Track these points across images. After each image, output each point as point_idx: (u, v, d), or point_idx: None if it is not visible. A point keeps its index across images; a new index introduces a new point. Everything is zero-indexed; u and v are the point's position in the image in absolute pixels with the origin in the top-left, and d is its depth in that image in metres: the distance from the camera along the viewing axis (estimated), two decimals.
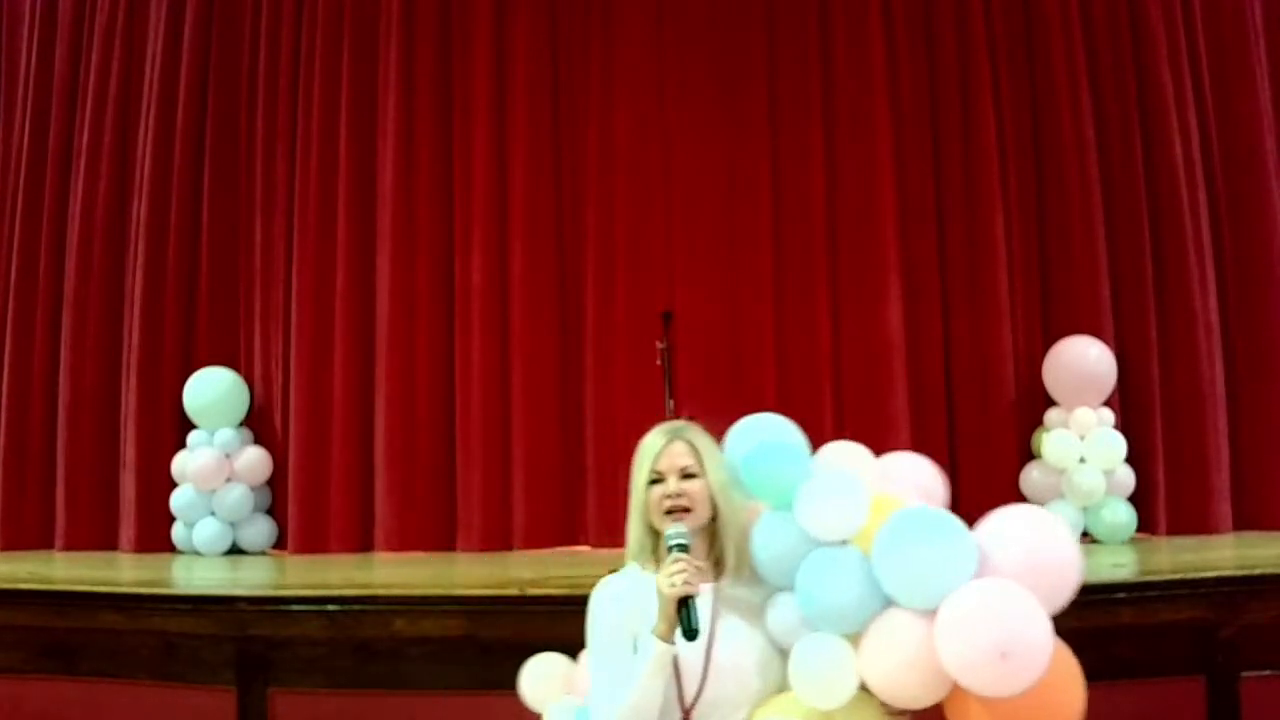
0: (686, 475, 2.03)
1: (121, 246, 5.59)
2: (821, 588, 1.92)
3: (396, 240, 5.27)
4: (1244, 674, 3.32)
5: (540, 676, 2.42)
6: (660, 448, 2.05)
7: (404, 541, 5.13)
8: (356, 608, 3.46)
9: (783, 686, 1.97)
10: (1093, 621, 3.29)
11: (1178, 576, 3.45)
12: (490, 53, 5.34)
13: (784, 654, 1.97)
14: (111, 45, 5.71)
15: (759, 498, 2.07)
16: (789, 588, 1.98)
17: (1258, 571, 3.45)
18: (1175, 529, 4.82)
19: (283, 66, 5.51)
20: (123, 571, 4.66)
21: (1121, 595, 3.33)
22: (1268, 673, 3.32)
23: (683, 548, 1.95)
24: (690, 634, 1.89)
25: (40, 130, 5.76)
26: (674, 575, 1.90)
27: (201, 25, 5.60)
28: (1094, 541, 4.74)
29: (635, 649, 1.96)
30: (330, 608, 3.48)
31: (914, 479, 2.24)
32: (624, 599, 2.03)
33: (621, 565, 2.15)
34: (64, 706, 3.66)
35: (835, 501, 1.96)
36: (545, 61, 5.36)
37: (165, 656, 3.59)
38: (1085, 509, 4.73)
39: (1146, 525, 4.82)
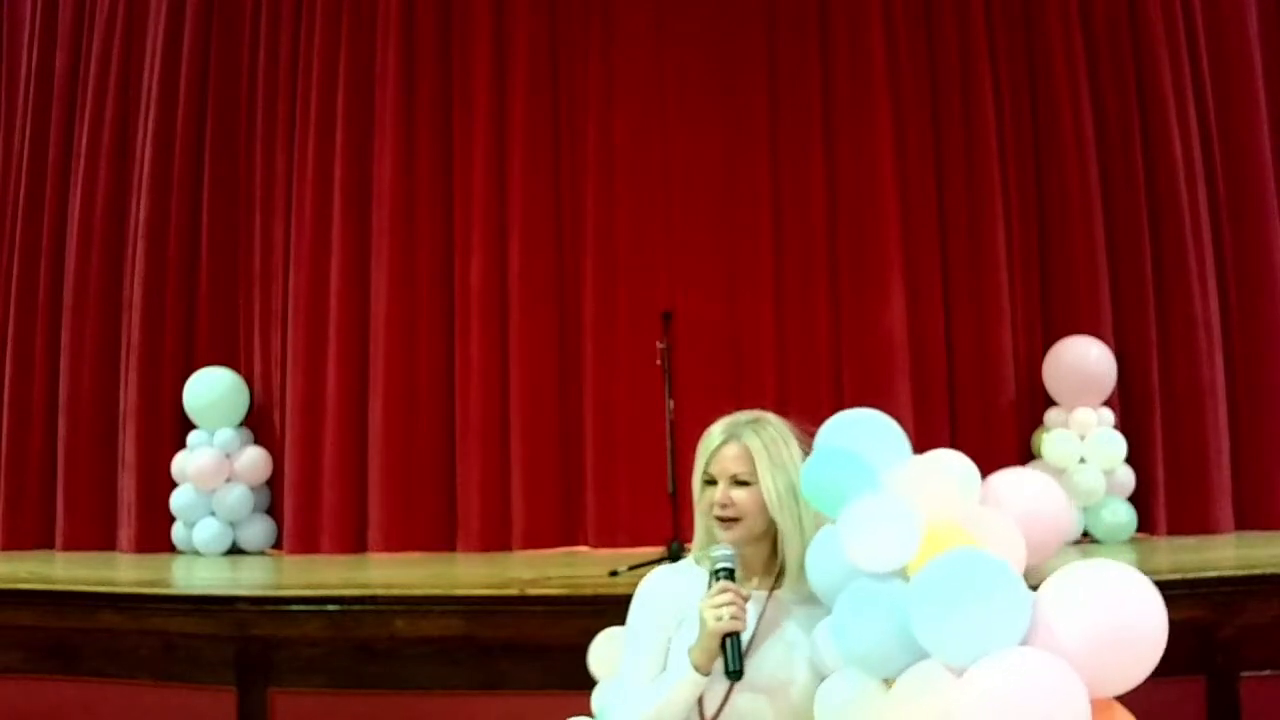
0: (738, 482, 1.88)
1: (121, 247, 5.59)
2: (855, 623, 1.74)
3: (395, 240, 5.27)
4: (1244, 674, 3.32)
5: (606, 651, 2.31)
6: (715, 448, 1.90)
7: (403, 542, 5.12)
8: (356, 608, 3.47)
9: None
10: None
11: (1178, 576, 3.43)
12: (490, 52, 5.34)
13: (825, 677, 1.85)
14: (111, 46, 5.70)
15: (817, 509, 1.88)
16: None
17: (1257, 571, 3.46)
18: (1175, 529, 4.81)
19: (282, 67, 5.51)
20: (123, 571, 4.67)
21: None
22: (1267, 673, 3.32)
23: (729, 574, 1.82)
24: (735, 674, 1.77)
25: (40, 131, 5.75)
26: (721, 608, 1.77)
27: (201, 26, 5.59)
28: (1094, 541, 4.74)
29: (669, 647, 1.88)
30: (330, 608, 3.48)
31: (1023, 504, 1.97)
32: (667, 595, 1.93)
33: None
34: (64, 706, 3.67)
35: (880, 528, 1.74)
36: (545, 61, 5.35)
37: (165, 656, 3.59)
38: (1085, 509, 4.73)
39: (1146, 525, 4.83)
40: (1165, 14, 5.06)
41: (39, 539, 5.48)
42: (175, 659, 3.59)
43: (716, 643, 1.77)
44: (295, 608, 3.51)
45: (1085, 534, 4.78)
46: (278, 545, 5.35)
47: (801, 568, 1.88)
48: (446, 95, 5.40)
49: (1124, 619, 1.59)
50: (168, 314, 5.46)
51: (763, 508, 1.88)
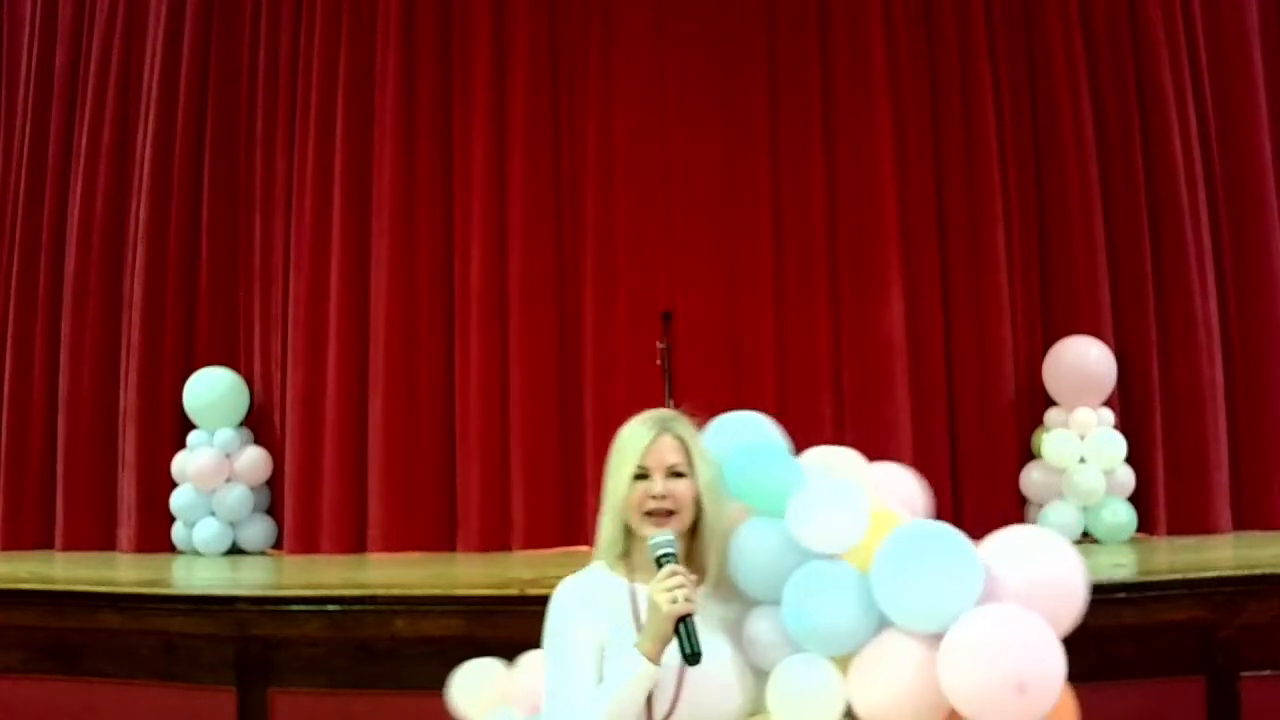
0: (674, 474, 1.86)
1: (121, 247, 5.59)
2: (814, 605, 1.79)
3: (395, 240, 5.27)
4: (1243, 674, 3.32)
5: (474, 685, 2.24)
6: (649, 441, 1.86)
7: (403, 542, 5.13)
8: (356, 608, 3.47)
9: (756, 707, 1.85)
10: (1092, 621, 3.27)
11: (1177, 576, 3.45)
12: (490, 52, 5.34)
13: (758, 672, 1.86)
14: (111, 45, 5.70)
15: (745, 502, 1.93)
16: (769, 601, 1.87)
17: (1257, 571, 3.46)
18: (1175, 529, 4.81)
19: (282, 67, 5.51)
20: (122, 571, 4.67)
21: (1121, 595, 3.33)
22: (1267, 673, 3.32)
23: (672, 557, 1.80)
24: (693, 658, 1.73)
25: (40, 130, 5.76)
26: (673, 590, 1.74)
27: (201, 25, 5.60)
28: (1094, 541, 4.74)
29: (602, 658, 1.82)
30: (330, 608, 3.48)
31: (898, 490, 2.14)
32: (592, 604, 1.86)
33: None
34: (64, 707, 3.67)
35: (835, 512, 1.83)
36: (545, 61, 5.35)
37: (165, 656, 3.59)
38: (1085, 509, 4.74)
39: (1146, 525, 4.83)
40: (1165, 14, 5.06)
41: (39, 539, 5.48)
42: (175, 659, 3.59)
43: (671, 627, 1.74)
44: (295, 608, 3.51)
45: (1085, 534, 4.78)
46: (277, 545, 5.35)
47: (723, 561, 1.90)
48: (446, 95, 5.40)
49: (1055, 570, 1.81)
50: (168, 314, 5.46)
51: (694, 499, 1.87)
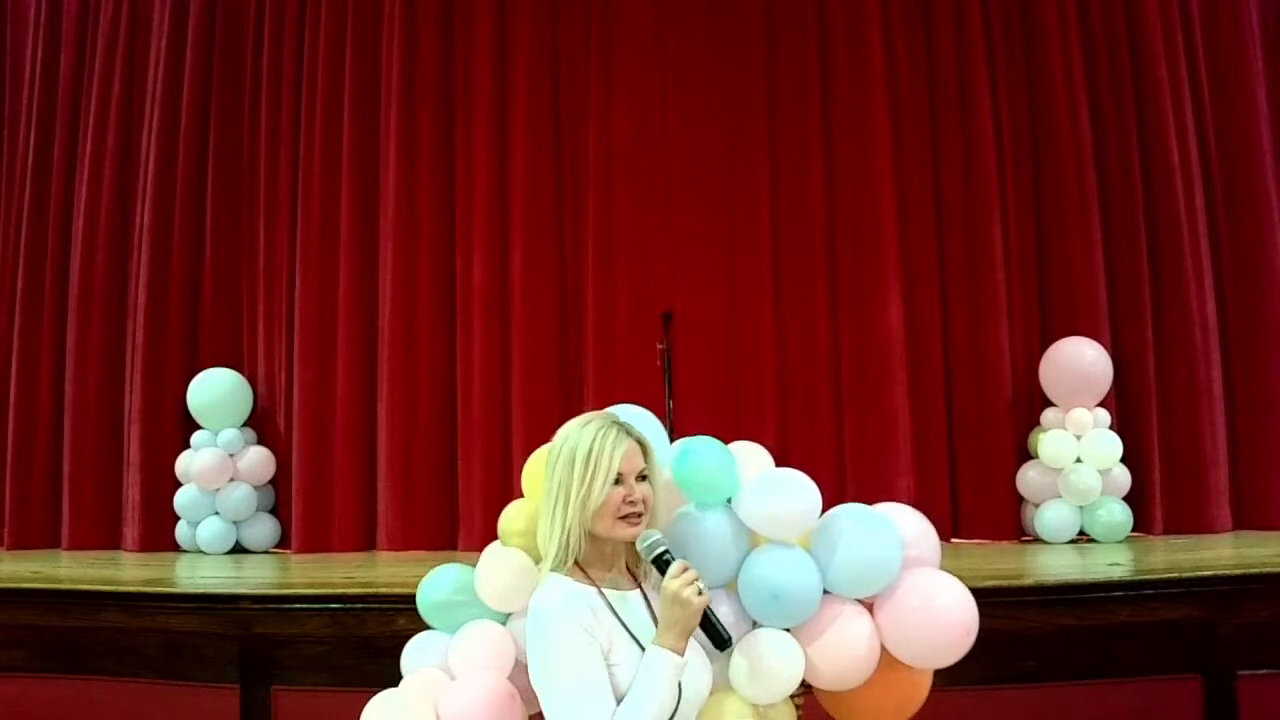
0: (641, 477, 1.91)
1: (126, 248, 5.62)
2: (789, 582, 1.95)
3: (398, 241, 5.30)
4: (1240, 673, 3.34)
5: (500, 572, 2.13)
6: (625, 448, 1.88)
7: (406, 540, 5.16)
8: (359, 606, 3.49)
9: (716, 685, 1.93)
10: (1090, 620, 3.32)
11: (1174, 575, 3.46)
12: (491, 54, 5.36)
13: (712, 653, 1.92)
14: (115, 47, 5.73)
15: (691, 496, 2.03)
16: (719, 584, 1.99)
17: (1254, 571, 3.48)
18: (1171, 528, 4.83)
19: (285, 69, 5.54)
20: (127, 570, 4.68)
21: (1118, 594, 3.35)
22: (1264, 671, 3.34)
23: (669, 552, 1.87)
24: (725, 642, 1.84)
25: (45, 132, 5.79)
26: (693, 583, 1.80)
27: (205, 27, 5.63)
28: (1090, 541, 4.75)
29: (607, 664, 1.79)
30: (333, 606, 3.50)
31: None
32: (582, 616, 1.80)
33: None
34: (68, 704, 3.69)
35: (792, 501, 1.99)
36: (545, 61, 5.38)
37: (169, 655, 3.62)
38: (1082, 508, 4.75)
39: (1143, 525, 4.84)
40: (1162, 14, 5.07)
41: (45, 539, 5.51)
42: (179, 657, 3.61)
43: (699, 619, 1.80)
44: (298, 606, 3.53)
45: (1082, 533, 4.79)
46: (280, 544, 5.37)
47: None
48: (449, 97, 5.43)
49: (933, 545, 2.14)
50: (171, 315, 5.49)
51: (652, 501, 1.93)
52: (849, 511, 2.06)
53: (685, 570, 1.82)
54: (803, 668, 1.96)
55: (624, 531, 1.88)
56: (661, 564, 1.85)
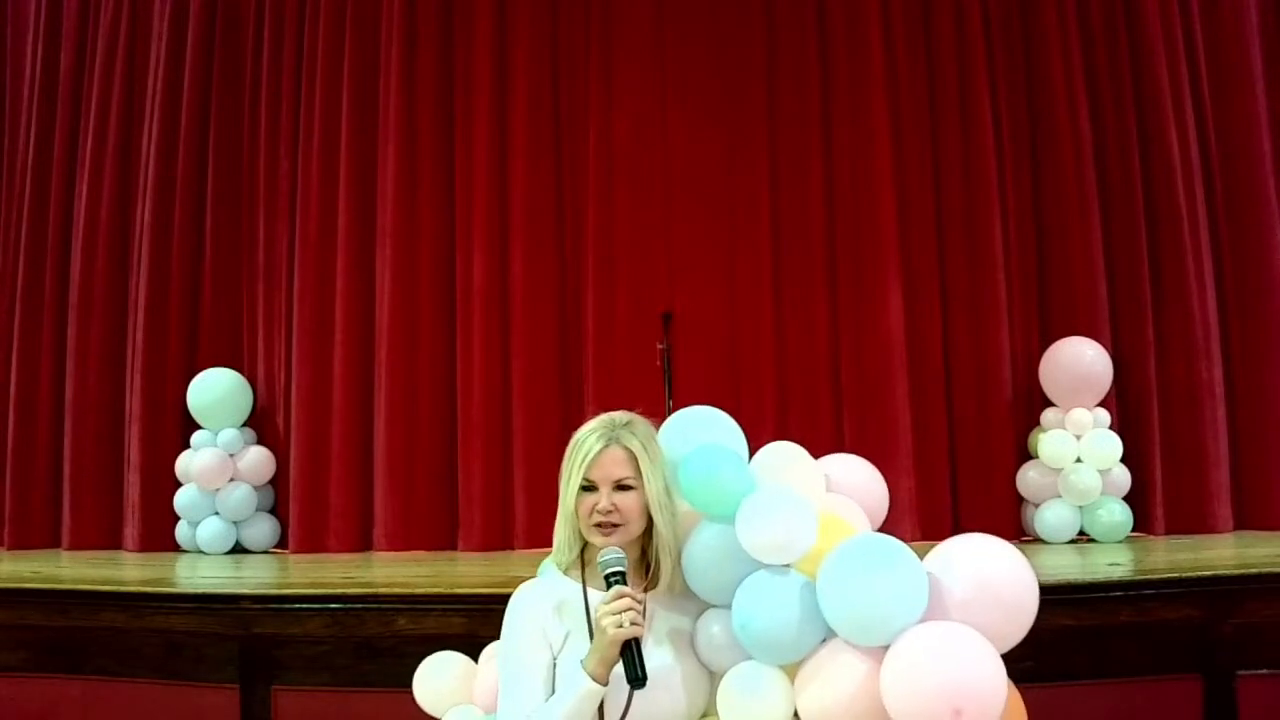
0: (620, 487, 1.84)
1: (126, 248, 5.62)
2: (761, 614, 1.79)
3: (398, 241, 5.30)
4: (1240, 673, 3.34)
5: (437, 678, 2.22)
6: (596, 453, 1.84)
7: (405, 541, 5.15)
8: (359, 606, 3.49)
9: (708, 709, 1.86)
10: (1089, 620, 3.33)
11: (1174, 575, 3.46)
12: (491, 53, 5.36)
13: (711, 674, 1.87)
14: (115, 46, 5.73)
15: (695, 507, 1.91)
16: (721, 605, 1.87)
17: (1254, 570, 3.47)
18: (1172, 528, 4.82)
19: (285, 69, 5.53)
20: (127, 570, 4.68)
21: (1118, 594, 3.35)
22: (1264, 671, 3.33)
23: (621, 576, 1.79)
24: (638, 682, 1.72)
25: (45, 131, 5.78)
26: (619, 614, 1.72)
27: (205, 28, 5.62)
28: (1090, 541, 4.75)
29: (554, 661, 1.82)
30: (333, 606, 3.51)
31: (854, 480, 2.17)
32: (548, 610, 1.85)
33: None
34: (68, 705, 3.69)
35: (780, 522, 1.80)
36: (545, 62, 5.38)
37: (169, 655, 3.62)
38: (1082, 508, 4.75)
39: (1143, 525, 4.84)
40: (1162, 14, 5.06)
41: (45, 539, 5.51)
42: (179, 657, 3.61)
43: (617, 650, 1.73)
44: (298, 606, 3.54)
45: (1082, 533, 4.79)
46: (280, 544, 5.37)
47: (677, 566, 1.88)
48: (448, 96, 5.42)
49: (1002, 580, 1.75)
50: (172, 315, 5.49)
51: (644, 510, 1.86)
52: (866, 544, 1.79)
53: (618, 598, 1.75)
54: (788, 709, 1.79)
55: (597, 539, 1.85)
56: (610, 586, 1.80)
